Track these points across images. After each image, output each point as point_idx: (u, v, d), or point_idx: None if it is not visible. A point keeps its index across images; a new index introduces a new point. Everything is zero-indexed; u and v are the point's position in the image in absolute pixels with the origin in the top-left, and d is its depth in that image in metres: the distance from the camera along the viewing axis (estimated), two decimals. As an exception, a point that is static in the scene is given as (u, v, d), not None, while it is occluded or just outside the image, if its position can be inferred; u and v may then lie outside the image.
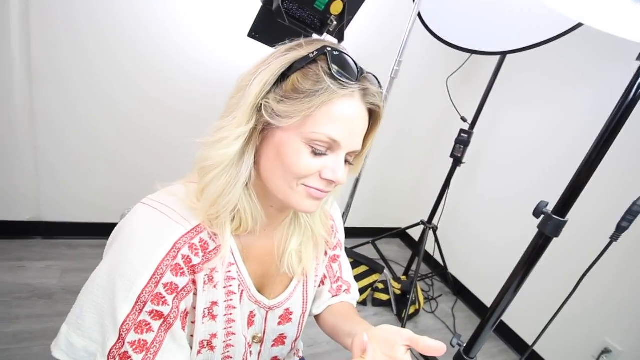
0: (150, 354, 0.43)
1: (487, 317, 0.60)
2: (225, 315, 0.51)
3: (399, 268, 2.29)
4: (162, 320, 0.43)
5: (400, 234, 2.66)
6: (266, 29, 1.29)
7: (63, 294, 1.40)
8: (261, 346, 0.60)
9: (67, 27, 1.35)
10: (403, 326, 1.69)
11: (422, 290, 2.05)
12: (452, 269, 2.20)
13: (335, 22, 1.33)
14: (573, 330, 1.63)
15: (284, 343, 0.63)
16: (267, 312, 0.58)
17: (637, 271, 1.45)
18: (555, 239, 0.55)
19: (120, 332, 0.41)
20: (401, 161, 2.43)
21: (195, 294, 0.48)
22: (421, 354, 1.68)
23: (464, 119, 1.83)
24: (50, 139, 1.49)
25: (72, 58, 1.40)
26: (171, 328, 0.45)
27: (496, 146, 2.07)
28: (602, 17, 0.39)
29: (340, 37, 1.34)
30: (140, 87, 1.55)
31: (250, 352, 0.58)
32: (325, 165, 0.46)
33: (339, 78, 0.43)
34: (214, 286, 0.49)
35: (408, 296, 1.78)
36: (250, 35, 1.28)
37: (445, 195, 1.96)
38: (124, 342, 0.42)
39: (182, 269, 0.45)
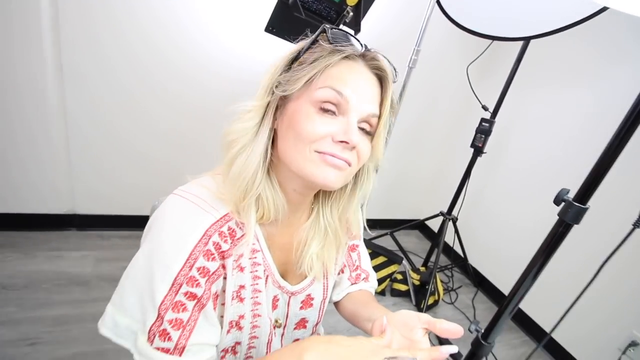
0: (187, 331, 0.47)
1: (506, 303, 0.61)
2: (251, 298, 0.54)
3: (418, 259, 2.29)
4: (195, 300, 0.47)
5: (419, 226, 2.65)
6: (283, 23, 1.31)
7: (97, 281, 1.50)
8: (284, 329, 0.63)
9: (90, 30, 1.42)
10: (422, 316, 1.70)
11: (442, 282, 2.05)
12: (473, 261, 2.18)
13: (351, 13, 1.33)
14: (599, 322, 1.59)
15: (305, 327, 0.66)
16: (290, 297, 0.61)
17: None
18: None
19: (159, 311, 0.45)
20: (420, 151, 2.41)
21: (225, 278, 0.51)
22: (438, 338, 1.69)
23: (485, 108, 1.79)
24: (81, 137, 1.58)
25: (98, 59, 1.47)
26: (204, 308, 0.48)
27: (518, 135, 2.01)
28: (626, 1, 0.38)
29: (357, 28, 1.34)
30: (162, 86, 1.61)
31: (275, 333, 0.61)
32: (338, 128, 0.46)
33: (338, 43, 0.47)
34: (241, 270, 0.52)
35: (427, 287, 1.78)
36: (267, 30, 1.30)
37: (465, 186, 1.93)
38: (162, 320, 0.45)
39: (213, 254, 0.48)
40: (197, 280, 0.47)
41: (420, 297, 1.84)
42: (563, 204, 0.53)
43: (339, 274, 0.71)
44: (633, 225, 0.55)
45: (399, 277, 1.93)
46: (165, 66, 1.57)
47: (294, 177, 0.51)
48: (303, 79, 0.46)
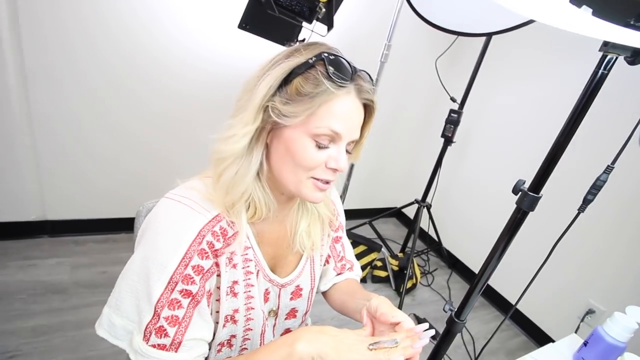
0: (182, 327, 0.49)
1: (474, 283, 0.68)
2: (244, 292, 0.57)
3: (396, 246, 2.39)
4: (190, 298, 0.50)
5: (396, 213, 2.75)
6: (256, 20, 1.31)
7: (76, 288, 1.46)
8: (276, 319, 0.67)
9: (56, 29, 1.35)
10: (401, 300, 1.79)
11: (419, 265, 2.15)
12: (447, 244, 2.31)
13: (324, 9, 1.35)
14: (560, 294, 1.75)
15: (295, 316, 0.70)
16: (280, 289, 0.64)
17: (613, 238, 1.56)
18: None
19: (155, 309, 0.47)
20: (395, 143, 2.49)
21: (218, 275, 0.54)
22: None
23: (453, 99, 1.88)
24: (48, 140, 1.51)
25: (63, 59, 1.41)
26: (198, 305, 0.51)
27: (484, 125, 2.13)
28: (549, 16, 0.43)
29: (329, 24, 1.37)
30: (130, 87, 1.56)
31: (267, 324, 0.64)
32: (330, 156, 0.52)
33: (336, 80, 0.48)
34: (234, 267, 0.55)
35: (405, 271, 1.87)
36: (240, 26, 1.30)
37: (437, 174, 2.03)
38: (159, 318, 0.47)
39: (207, 253, 0.50)
40: (192, 278, 0.49)
41: (400, 282, 1.93)
42: (520, 193, 0.60)
43: (324, 264, 0.75)
44: (578, 210, 0.63)
45: (379, 264, 2.01)
46: (134, 69, 1.53)
47: (284, 188, 0.55)
48: (302, 114, 0.48)
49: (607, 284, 1.59)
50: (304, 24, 1.35)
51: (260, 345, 0.63)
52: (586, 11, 0.38)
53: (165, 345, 0.48)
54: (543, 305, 1.81)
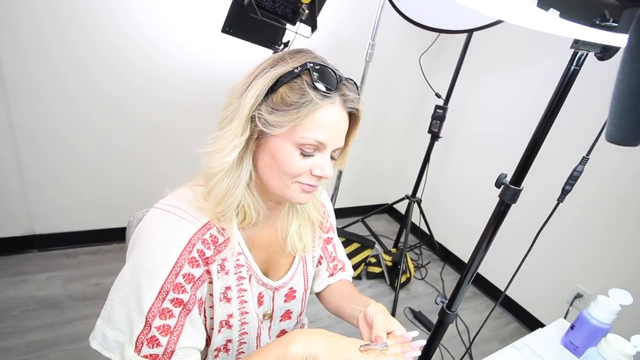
0: (174, 337, 0.50)
1: (463, 275, 0.70)
2: (238, 297, 0.58)
3: (389, 241, 2.42)
4: (182, 306, 0.50)
5: (388, 210, 2.78)
6: (240, 24, 1.31)
7: (70, 302, 1.45)
8: (271, 322, 0.68)
9: (34, 39, 1.33)
10: (396, 294, 1.82)
11: (412, 260, 2.18)
12: (438, 237, 2.35)
13: (307, 11, 1.36)
14: (549, 281, 1.80)
15: (290, 317, 0.71)
16: (274, 292, 0.65)
17: (598, 224, 1.61)
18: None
19: (147, 319, 0.48)
20: (383, 140, 2.51)
21: (210, 282, 0.54)
22: (421, 322, 1.82)
23: (438, 95, 1.91)
24: (32, 153, 1.49)
25: (43, 69, 1.38)
26: (190, 313, 0.51)
27: (469, 120, 2.17)
28: (518, 18, 0.45)
29: (313, 25, 1.38)
30: (113, 96, 1.54)
31: (262, 327, 0.65)
32: (315, 164, 0.53)
33: (321, 90, 0.49)
34: (226, 273, 0.56)
35: (399, 266, 1.90)
36: (224, 30, 1.30)
37: (426, 169, 2.06)
38: (150, 328, 0.48)
39: (197, 261, 0.51)
40: (183, 286, 0.50)
41: (394, 277, 1.96)
42: (502, 186, 0.62)
43: (317, 265, 0.76)
44: (557, 200, 0.65)
45: (373, 260, 2.03)
46: (116, 78, 1.52)
47: (272, 193, 0.56)
48: (287, 125, 0.48)
49: (595, 268, 1.64)
50: (288, 26, 1.35)
51: (257, 348, 0.64)
52: (554, 13, 0.39)
53: (158, 355, 0.48)
54: (534, 292, 1.86)
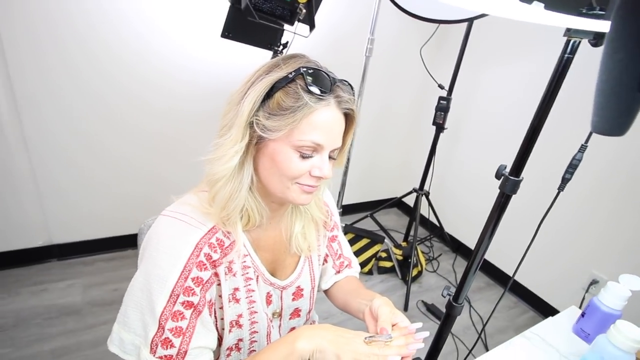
0: (187, 338, 0.52)
1: (467, 267, 0.70)
2: (246, 297, 0.60)
3: (399, 235, 2.42)
4: (192, 308, 0.52)
5: (396, 204, 2.78)
6: (238, 28, 1.33)
7: (90, 308, 1.50)
8: (280, 320, 0.70)
9: (35, 53, 1.37)
10: (408, 288, 1.82)
11: (423, 253, 2.18)
12: (448, 229, 2.33)
13: (304, 10, 1.36)
14: (564, 269, 1.77)
15: (299, 315, 0.73)
16: (282, 291, 0.67)
17: (612, 209, 1.58)
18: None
19: (159, 322, 0.50)
20: (388, 134, 2.51)
21: (219, 284, 0.56)
22: (434, 314, 1.82)
23: (441, 86, 1.90)
24: (46, 166, 1.54)
25: (50, 85, 1.43)
26: (200, 315, 0.53)
27: (473, 109, 2.15)
28: (504, 11, 0.45)
29: (311, 24, 1.38)
30: (115, 109, 1.58)
31: (272, 326, 0.67)
32: (313, 165, 0.54)
33: (315, 93, 0.50)
34: (234, 275, 0.58)
35: (410, 260, 1.90)
36: (223, 35, 1.32)
37: (432, 161, 2.05)
38: (164, 330, 0.50)
39: (205, 264, 0.53)
40: (192, 289, 0.52)
41: (405, 271, 1.96)
42: (502, 178, 0.62)
43: (323, 263, 0.78)
44: (557, 189, 0.65)
45: (383, 255, 2.04)
46: (118, 91, 1.55)
47: (273, 195, 0.57)
48: (284, 129, 0.50)
49: (610, 254, 1.62)
50: (286, 26, 1.36)
51: (267, 346, 0.66)
52: (538, 6, 0.40)
53: (172, 356, 0.51)
54: (549, 280, 1.84)
